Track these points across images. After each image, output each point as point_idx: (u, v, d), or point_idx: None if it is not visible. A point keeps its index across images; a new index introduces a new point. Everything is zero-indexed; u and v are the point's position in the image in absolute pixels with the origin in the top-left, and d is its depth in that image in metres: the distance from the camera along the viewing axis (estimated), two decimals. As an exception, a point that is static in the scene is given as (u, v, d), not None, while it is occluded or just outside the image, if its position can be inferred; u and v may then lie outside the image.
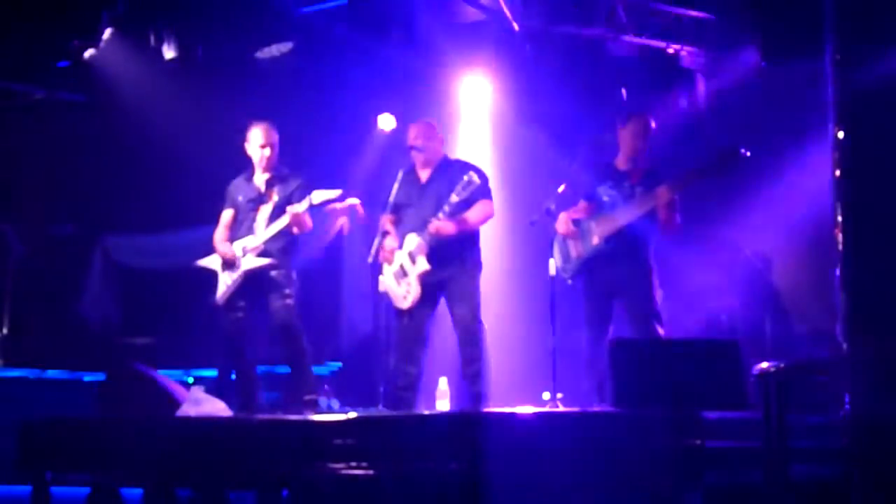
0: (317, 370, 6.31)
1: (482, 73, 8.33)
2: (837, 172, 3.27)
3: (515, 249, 8.22)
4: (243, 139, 6.05)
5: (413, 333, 5.68)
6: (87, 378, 7.83)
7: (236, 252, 5.85)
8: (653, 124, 5.71)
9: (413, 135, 5.87)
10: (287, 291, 5.81)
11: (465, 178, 5.50)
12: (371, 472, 4.00)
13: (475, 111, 8.62)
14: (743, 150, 5.29)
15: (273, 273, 5.81)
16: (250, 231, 5.89)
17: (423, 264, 5.57)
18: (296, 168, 6.09)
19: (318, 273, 7.95)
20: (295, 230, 5.82)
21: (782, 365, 3.18)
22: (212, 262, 6.00)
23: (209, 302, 6.02)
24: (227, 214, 6.05)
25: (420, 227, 5.63)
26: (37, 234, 9.37)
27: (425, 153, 5.80)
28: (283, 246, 5.86)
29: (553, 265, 5.36)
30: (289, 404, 6.28)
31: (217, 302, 5.93)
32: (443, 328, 5.92)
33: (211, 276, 6.00)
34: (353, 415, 4.68)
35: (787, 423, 3.16)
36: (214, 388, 6.76)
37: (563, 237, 5.69)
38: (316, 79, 8.36)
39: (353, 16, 7.52)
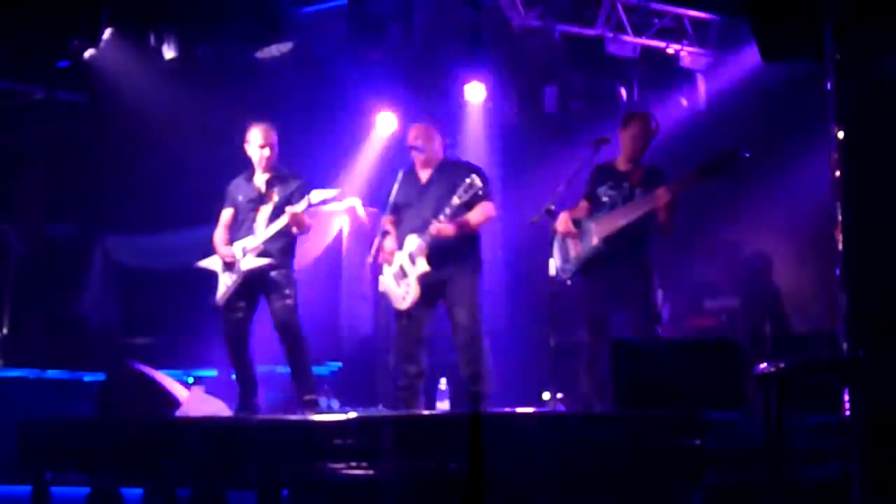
0: (317, 370, 6.30)
1: (481, 73, 8.33)
2: (837, 172, 3.27)
3: (515, 249, 8.23)
4: (243, 139, 6.05)
5: (412, 334, 5.68)
6: (87, 378, 7.83)
7: (236, 253, 5.85)
8: (654, 125, 5.70)
9: (413, 135, 5.87)
10: (287, 292, 5.81)
11: (468, 180, 5.50)
12: (371, 472, 4.01)
13: (475, 111, 8.62)
14: (742, 152, 5.29)
15: (273, 273, 5.81)
16: (250, 231, 5.89)
17: (422, 266, 5.57)
18: (295, 168, 6.09)
19: (317, 273, 7.96)
20: (294, 230, 5.81)
21: (782, 365, 3.18)
22: (212, 262, 6.00)
23: (209, 302, 6.02)
24: (226, 214, 6.05)
25: (420, 228, 5.63)
26: (37, 234, 9.37)
27: (425, 153, 5.80)
28: (283, 246, 5.86)
29: (553, 265, 5.35)
30: (289, 404, 6.28)
31: (217, 302, 5.93)
32: (442, 328, 5.92)
33: (211, 277, 6.00)
34: (353, 415, 4.68)
35: (786, 423, 3.15)
36: (214, 388, 6.77)
37: (563, 237, 5.69)
38: (316, 79, 8.36)
39: (353, 16, 7.51)
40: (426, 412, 5.50)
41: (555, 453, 3.71)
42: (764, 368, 3.19)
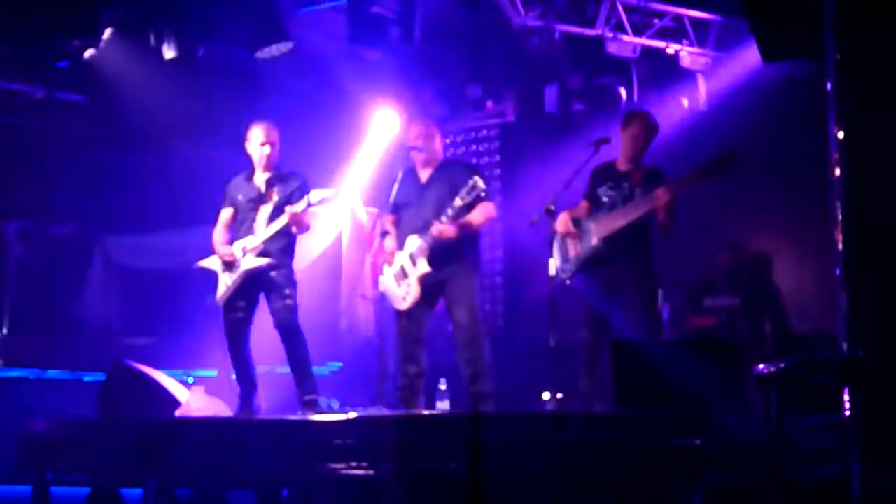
0: (317, 370, 6.30)
1: (481, 73, 8.33)
2: (837, 172, 3.27)
3: (515, 249, 8.23)
4: (243, 139, 6.05)
5: (412, 334, 5.68)
6: (87, 378, 7.83)
7: (236, 252, 5.85)
8: (654, 125, 5.70)
9: (413, 135, 5.87)
10: (287, 291, 5.81)
11: (471, 181, 5.50)
12: (371, 472, 4.01)
13: (475, 111, 8.62)
14: (741, 153, 5.30)
15: (273, 273, 5.81)
16: (250, 231, 5.89)
17: (423, 266, 5.57)
18: (295, 168, 6.09)
19: (317, 273, 7.96)
20: (294, 230, 5.81)
21: (782, 365, 3.18)
22: (212, 262, 6.00)
23: (209, 302, 6.02)
24: (225, 213, 6.05)
25: (420, 228, 5.63)
26: (37, 234, 9.37)
27: (425, 153, 5.80)
28: (283, 246, 5.86)
29: (553, 265, 5.35)
30: (289, 404, 6.28)
31: (217, 302, 5.93)
32: (443, 328, 5.92)
33: (211, 276, 6.00)
34: (353, 415, 4.68)
35: (786, 423, 3.15)
36: (214, 388, 6.77)
37: (563, 237, 5.69)
38: (316, 79, 8.36)
39: (353, 16, 7.51)
40: (426, 412, 5.50)
41: (555, 453, 3.71)
42: (764, 368, 3.19)
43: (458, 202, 5.51)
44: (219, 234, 6.02)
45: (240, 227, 5.95)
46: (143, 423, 5.08)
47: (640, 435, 3.61)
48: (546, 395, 5.81)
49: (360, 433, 4.12)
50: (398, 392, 5.69)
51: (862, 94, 3.27)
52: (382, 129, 8.52)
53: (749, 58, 7.38)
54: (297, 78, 8.33)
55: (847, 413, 3.16)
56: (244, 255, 5.83)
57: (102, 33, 7.68)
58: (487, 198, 5.66)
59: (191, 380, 7.64)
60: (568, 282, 5.68)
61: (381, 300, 5.81)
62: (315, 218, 6.28)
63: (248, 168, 6.05)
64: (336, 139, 8.56)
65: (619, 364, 4.32)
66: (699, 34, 7.83)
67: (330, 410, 6.10)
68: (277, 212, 5.81)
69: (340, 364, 7.95)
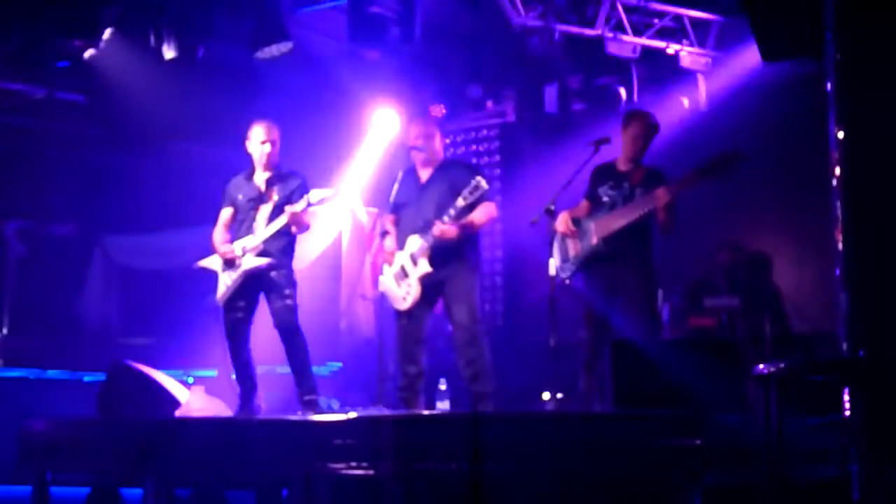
0: (317, 370, 6.30)
1: (481, 73, 8.33)
2: (837, 172, 3.27)
3: (515, 249, 8.24)
4: (244, 138, 6.05)
5: (412, 334, 5.68)
6: (87, 378, 7.84)
7: (236, 252, 5.85)
8: (654, 125, 5.70)
9: (413, 135, 5.87)
10: (287, 292, 5.81)
11: (473, 182, 5.49)
12: (371, 472, 4.01)
13: (475, 111, 8.62)
14: (742, 153, 5.30)
15: (273, 273, 5.81)
16: (250, 231, 5.88)
17: (424, 267, 5.56)
18: (295, 168, 6.09)
19: (317, 273, 7.97)
20: (294, 230, 5.81)
21: (782, 365, 3.18)
22: (212, 262, 6.00)
23: (209, 302, 6.02)
24: (225, 213, 6.05)
25: (421, 228, 5.62)
26: (37, 234, 9.37)
27: (425, 153, 5.79)
28: (283, 246, 5.86)
29: (553, 265, 5.35)
30: (289, 404, 6.28)
31: (217, 302, 5.93)
32: (443, 328, 5.93)
33: (211, 276, 6.00)
34: (353, 415, 4.68)
35: (786, 423, 3.15)
36: (214, 388, 6.77)
37: (563, 236, 5.69)
38: (316, 79, 8.37)
39: (353, 16, 7.51)
40: (426, 412, 5.50)
41: (555, 453, 3.71)
42: (764, 368, 3.19)
43: (460, 202, 5.50)
44: (219, 233, 6.02)
45: (240, 227, 5.95)
46: (143, 423, 5.08)
47: (640, 435, 3.61)
48: (546, 395, 5.81)
49: (360, 433, 4.12)
50: (398, 392, 5.69)
51: (862, 94, 3.27)
52: (382, 128, 8.52)
53: (749, 58, 7.39)
54: (297, 78, 8.33)
55: (847, 413, 3.16)
56: (244, 254, 5.83)
57: (102, 33, 7.69)
58: (489, 198, 5.66)
59: (191, 380, 7.64)
60: (568, 281, 5.68)
61: (381, 300, 5.81)
62: (315, 218, 6.27)
63: (248, 168, 6.05)
64: (336, 139, 8.57)
65: (619, 364, 4.32)
66: (699, 34, 7.84)
67: (330, 410, 6.10)
68: (277, 211, 5.80)
69: (340, 364, 7.95)
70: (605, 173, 5.71)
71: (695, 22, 7.81)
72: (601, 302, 5.59)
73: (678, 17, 7.81)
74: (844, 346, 3.19)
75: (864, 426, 3.08)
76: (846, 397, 3.15)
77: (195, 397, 5.92)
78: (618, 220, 5.50)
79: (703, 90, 7.91)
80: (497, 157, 8.87)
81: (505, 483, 3.80)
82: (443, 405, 5.83)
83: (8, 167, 9.26)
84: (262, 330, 5.95)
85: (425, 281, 5.59)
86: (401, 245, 5.71)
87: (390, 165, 5.91)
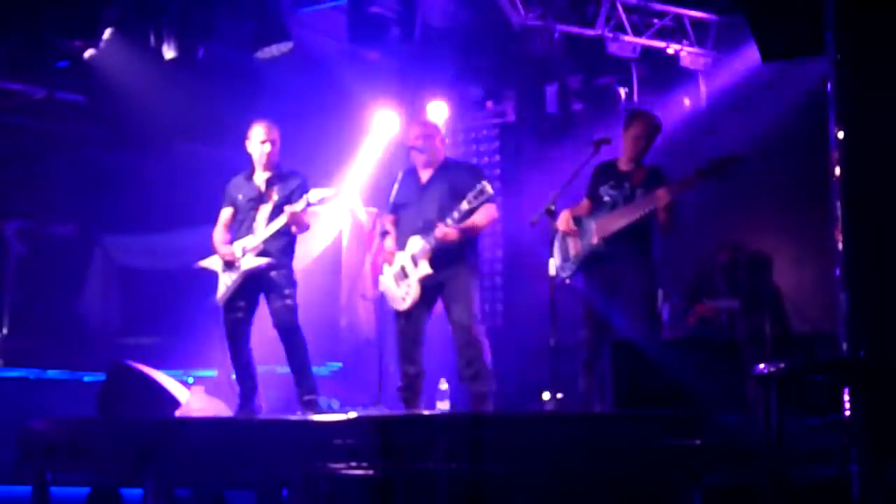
0: (317, 370, 6.30)
1: (481, 73, 8.33)
2: (837, 172, 3.27)
3: (515, 249, 8.23)
4: (244, 138, 6.05)
5: (411, 334, 5.68)
6: (87, 378, 7.84)
7: (236, 252, 5.85)
8: (656, 125, 5.70)
9: (413, 135, 5.86)
10: (287, 292, 5.81)
11: (479, 186, 5.48)
12: (371, 472, 4.00)
13: (475, 111, 8.62)
14: (741, 155, 5.30)
15: (273, 273, 5.81)
16: (250, 231, 5.89)
17: (425, 268, 5.56)
18: (295, 167, 6.09)
19: (317, 273, 7.97)
20: (294, 229, 5.81)
21: (782, 365, 3.18)
22: (212, 262, 6.00)
23: (209, 302, 6.02)
24: (225, 213, 6.05)
25: (421, 228, 5.62)
26: (37, 234, 9.38)
27: (426, 154, 5.79)
28: (283, 246, 5.86)
29: (553, 265, 5.35)
30: (289, 404, 6.28)
31: (217, 302, 5.93)
32: (443, 328, 5.92)
33: (211, 276, 6.00)
34: (353, 415, 4.68)
35: (786, 423, 3.15)
36: (214, 388, 6.77)
37: (564, 235, 5.69)
38: (316, 79, 8.36)
39: (353, 16, 7.51)
40: (426, 412, 5.50)
41: (555, 453, 3.71)
42: (764, 368, 3.18)
43: (464, 206, 5.49)
44: (219, 233, 6.02)
45: (240, 227, 5.95)
46: (143, 423, 5.08)
47: (640, 435, 3.61)
48: (546, 395, 5.80)
49: (360, 433, 4.12)
50: (398, 392, 5.69)
51: (862, 94, 3.27)
52: (382, 128, 8.52)
53: (749, 58, 7.39)
54: (297, 78, 8.33)
55: (847, 413, 3.16)
56: (244, 254, 5.83)
57: (102, 33, 7.69)
58: (491, 199, 5.64)
59: (191, 380, 7.64)
60: (568, 281, 5.68)
61: (381, 300, 5.80)
62: (315, 217, 6.27)
63: (249, 168, 6.05)
64: (336, 139, 8.57)
65: (619, 364, 4.32)
66: (699, 34, 7.84)
67: (330, 410, 6.11)
68: (277, 211, 5.80)
69: (340, 364, 7.95)
70: (607, 172, 5.71)
71: (695, 22, 7.81)
72: (601, 302, 5.59)
73: (678, 17, 7.81)
74: (844, 346, 3.19)
75: (864, 426, 3.08)
76: (846, 397, 3.15)
77: (195, 397, 5.92)
78: (618, 220, 5.51)
79: (703, 90, 7.91)
80: (497, 157, 8.86)
81: (505, 483, 3.80)
82: (443, 405, 5.83)
83: (8, 167, 9.26)
84: (262, 330, 5.95)
85: (425, 282, 5.59)
86: (401, 245, 5.71)
87: (390, 165, 5.90)
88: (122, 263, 9.42)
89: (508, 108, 8.75)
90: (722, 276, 7.34)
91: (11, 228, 8.91)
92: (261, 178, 6.00)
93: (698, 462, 3.48)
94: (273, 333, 5.85)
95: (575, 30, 7.72)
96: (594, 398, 5.46)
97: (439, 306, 5.72)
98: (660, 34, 7.82)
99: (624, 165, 5.69)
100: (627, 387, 4.23)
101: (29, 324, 8.95)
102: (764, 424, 3.16)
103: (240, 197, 5.99)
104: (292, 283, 5.85)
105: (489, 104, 8.91)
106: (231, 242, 5.94)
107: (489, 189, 5.49)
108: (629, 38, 7.71)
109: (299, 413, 5.54)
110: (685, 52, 7.79)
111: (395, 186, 5.77)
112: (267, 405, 6.02)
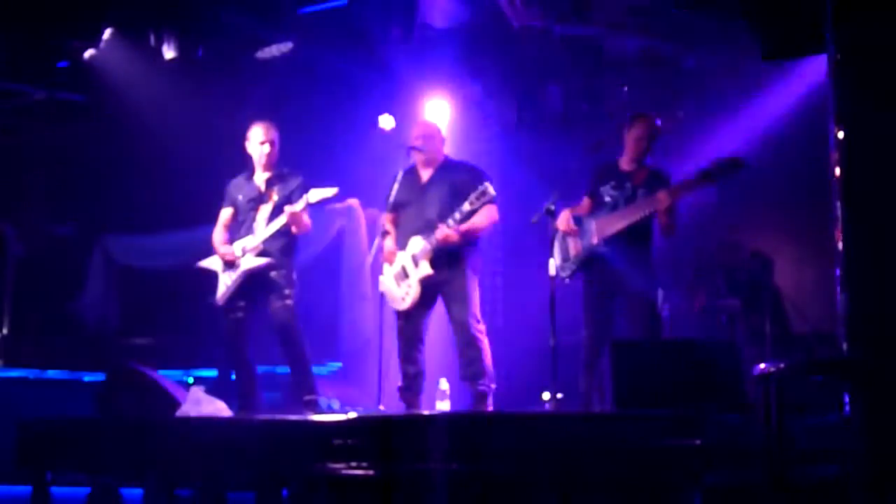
0: (317, 370, 6.30)
1: (481, 73, 8.33)
2: (837, 172, 3.27)
3: (515, 249, 8.23)
4: (243, 139, 6.05)
5: (411, 334, 5.68)
6: (87, 378, 7.83)
7: (236, 252, 5.85)
8: (658, 126, 5.70)
9: (413, 135, 5.86)
10: (287, 292, 5.81)
11: (481, 187, 5.48)
12: (371, 472, 4.00)
13: (475, 111, 8.62)
14: (742, 159, 5.31)
15: (273, 273, 5.81)
16: (250, 231, 5.89)
17: (426, 268, 5.56)
18: (295, 168, 6.09)
19: (317, 273, 7.96)
20: (294, 229, 5.81)
21: (782, 365, 3.18)
22: (212, 262, 6.00)
23: (209, 302, 6.02)
24: (225, 213, 6.06)
25: (421, 228, 5.62)
26: (37, 234, 9.38)
27: (426, 153, 5.79)
28: (283, 246, 5.86)
29: (553, 265, 5.35)
30: (289, 404, 6.28)
31: (217, 302, 5.93)
32: (443, 328, 5.92)
33: (211, 276, 6.01)
34: (353, 415, 4.68)
35: (786, 423, 3.15)
36: (214, 388, 6.77)
37: (564, 235, 5.69)
38: (316, 79, 8.36)
39: (354, 16, 7.51)
40: (426, 412, 5.50)
41: (555, 453, 3.71)
42: (764, 368, 3.19)
43: (466, 206, 5.49)
44: (219, 234, 6.02)
45: (240, 227, 5.96)
46: (143, 423, 5.08)
47: (640, 435, 3.61)
48: (546, 395, 5.80)
49: (360, 433, 4.12)
50: (398, 392, 5.69)
51: (862, 94, 3.27)
52: (383, 128, 8.51)
53: (749, 58, 7.39)
54: (297, 78, 8.33)
55: (847, 413, 3.16)
56: (244, 254, 5.83)
57: (102, 33, 7.69)
58: (493, 201, 5.64)
59: (191, 380, 7.64)
60: (567, 280, 5.68)
61: (381, 300, 5.80)
62: (315, 217, 6.26)
63: (249, 168, 6.06)
64: (335, 139, 8.56)
65: (619, 364, 4.32)
66: (699, 34, 7.83)
67: (330, 410, 6.10)
68: (277, 211, 5.81)
69: (340, 364, 7.95)
70: (608, 172, 5.71)
71: (695, 22, 7.80)
72: (601, 302, 5.59)
73: (678, 17, 7.79)
74: (844, 346, 3.19)
75: (864, 426, 3.08)
76: (846, 397, 3.15)
77: (195, 397, 5.92)
78: (619, 221, 5.51)
79: (703, 90, 7.91)
80: (497, 157, 8.86)
81: (505, 483, 3.79)
82: (443, 405, 5.83)
83: (8, 167, 9.27)
84: (262, 330, 5.95)
85: (425, 282, 5.59)
86: (401, 245, 5.71)
87: (390, 165, 5.89)
88: (122, 263, 9.42)
89: (508, 109, 8.74)
90: (722, 277, 7.35)
91: (11, 228, 8.91)
92: (261, 178, 6.00)
93: (698, 462, 3.47)
94: (273, 333, 5.85)
95: (575, 30, 7.71)
96: (594, 398, 5.46)
97: (440, 306, 5.72)
98: (660, 34, 7.81)
99: (626, 165, 5.69)
100: (627, 387, 4.22)
101: (29, 324, 8.95)
102: (764, 424, 3.16)
103: (240, 197, 6.00)
104: (292, 284, 5.86)
105: (489, 104, 8.90)
106: (231, 243, 5.94)
107: (491, 190, 5.49)
108: (629, 38, 7.71)
109: (299, 413, 5.54)
110: (686, 53, 7.78)
111: (395, 186, 5.77)
112: (267, 405, 6.02)
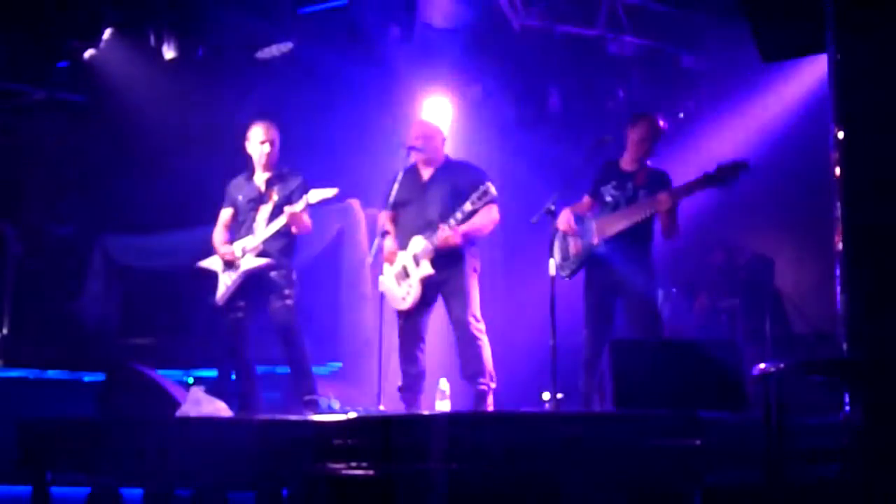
0: (317, 370, 6.30)
1: (481, 73, 8.32)
2: (837, 172, 3.27)
3: (515, 249, 8.22)
4: (243, 139, 6.05)
5: (411, 334, 5.68)
6: (87, 378, 7.83)
7: (236, 252, 5.85)
8: (661, 126, 5.69)
9: (413, 135, 5.86)
10: (286, 292, 5.81)
11: (483, 187, 5.48)
12: (371, 472, 4.00)
13: (475, 111, 8.61)
14: (745, 162, 5.31)
15: (273, 273, 5.81)
16: (250, 231, 5.89)
17: (427, 268, 5.56)
18: (295, 167, 6.09)
19: (317, 273, 7.96)
20: (294, 230, 5.81)
21: (782, 365, 3.18)
22: (212, 263, 6.00)
23: (209, 302, 6.02)
24: (225, 213, 6.06)
25: (422, 228, 5.62)
26: (37, 234, 9.38)
27: (426, 153, 5.79)
28: (283, 246, 5.86)
29: (553, 265, 5.35)
30: (289, 404, 6.28)
31: (217, 302, 5.93)
32: (443, 328, 5.92)
33: (211, 276, 6.01)
34: (353, 415, 4.68)
35: (786, 423, 3.15)
36: (214, 388, 6.77)
37: (564, 234, 5.69)
38: (316, 79, 8.36)
39: (354, 16, 7.51)
40: (426, 412, 5.50)
41: (555, 453, 3.70)
42: (764, 368, 3.18)
43: (468, 206, 5.49)
44: (219, 234, 6.02)
45: (240, 228, 5.96)
46: (143, 423, 5.08)
47: (640, 435, 3.61)
48: (546, 395, 5.80)
49: (360, 433, 4.12)
50: (398, 392, 5.69)
51: (862, 94, 3.27)
52: (383, 128, 8.51)
53: (749, 58, 7.38)
54: (297, 78, 8.33)
55: (847, 413, 3.16)
56: (244, 255, 5.83)
57: (102, 33, 7.69)
58: (494, 201, 5.63)
59: (191, 380, 7.64)
60: (567, 279, 5.68)
61: (381, 300, 5.80)
62: (315, 217, 6.26)
63: (249, 168, 6.06)
64: (336, 139, 8.56)
65: (619, 364, 4.32)
66: (698, 34, 7.83)
67: (330, 410, 6.10)
68: (277, 212, 5.81)
69: (340, 364, 7.95)
70: (610, 171, 5.71)
71: (695, 22, 7.81)
72: (602, 302, 5.59)
73: (678, 17, 7.80)
74: (844, 346, 3.19)
75: (864, 426, 3.08)
76: (846, 397, 3.15)
77: (195, 397, 5.92)
78: (620, 222, 5.51)
79: (702, 90, 7.91)
80: (497, 157, 8.85)
81: (505, 483, 3.79)
82: (443, 405, 5.82)
83: (8, 167, 9.26)
84: (262, 330, 5.95)
85: (426, 281, 5.59)
86: (401, 244, 5.71)
87: (390, 165, 5.89)
88: (122, 263, 9.41)
89: (508, 108, 8.74)
90: (722, 277, 7.35)
91: (11, 228, 8.90)
92: (261, 178, 6.00)
93: (698, 462, 3.47)
94: (273, 333, 5.85)
95: (575, 30, 7.71)
96: (594, 398, 5.46)
97: (440, 305, 5.72)
98: (660, 34, 7.81)
99: (627, 165, 5.69)
100: (627, 387, 4.22)
101: (29, 324, 8.94)
102: (764, 424, 3.16)
103: (240, 197, 6.00)
104: (292, 284, 5.86)
105: (490, 104, 8.90)
106: (231, 243, 5.94)
107: (493, 190, 5.49)
108: (629, 38, 7.71)
109: (299, 413, 5.54)
110: (685, 53, 7.78)
111: (395, 185, 5.77)
112: (267, 405, 6.01)
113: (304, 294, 5.98)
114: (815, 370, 3.49)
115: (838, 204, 3.24)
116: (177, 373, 7.62)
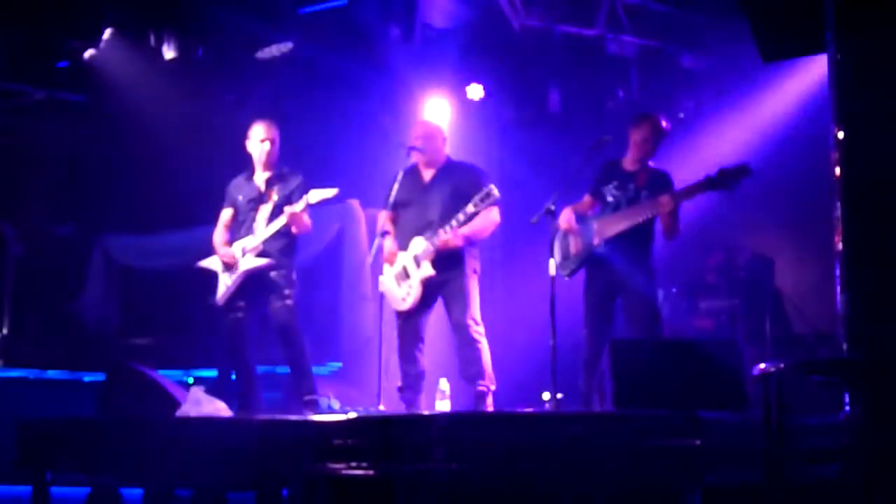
0: (317, 370, 6.30)
1: (481, 73, 8.32)
2: (837, 172, 3.27)
3: (515, 249, 8.22)
4: (243, 139, 6.05)
5: (411, 334, 5.68)
6: (87, 378, 7.83)
7: (236, 253, 5.85)
8: (663, 126, 5.69)
9: (414, 135, 5.86)
10: (287, 292, 5.81)
11: (486, 190, 5.48)
12: (371, 472, 4.00)
13: (475, 111, 8.61)
14: (748, 166, 5.31)
15: (272, 274, 5.81)
16: (250, 231, 5.89)
17: (427, 269, 5.56)
18: (295, 167, 6.09)
19: (317, 273, 7.96)
20: (294, 230, 5.81)
21: (782, 365, 3.18)
22: (212, 263, 6.00)
23: (209, 302, 6.02)
24: (226, 214, 6.06)
25: (423, 228, 5.62)
26: (37, 234, 9.38)
27: (426, 153, 5.78)
28: (283, 246, 5.86)
29: (553, 265, 5.35)
30: (289, 404, 6.28)
31: (217, 302, 5.93)
32: (443, 328, 5.92)
33: (211, 277, 6.01)
34: (353, 415, 4.68)
35: (786, 423, 3.15)
36: (214, 388, 6.77)
37: (565, 233, 5.69)
38: (316, 79, 8.36)
39: (354, 16, 7.51)
40: (426, 412, 5.50)
41: (554, 453, 3.70)
42: (764, 368, 3.18)
43: (470, 208, 5.48)
44: (219, 234, 6.02)
45: (240, 228, 5.96)
46: (143, 423, 5.08)
47: (639, 435, 3.61)
48: (546, 395, 5.80)
49: (360, 433, 4.12)
50: (398, 392, 5.69)
51: (862, 94, 3.27)
52: (383, 128, 8.51)
53: (748, 58, 7.39)
54: (297, 78, 8.33)
55: (847, 413, 3.16)
56: (244, 255, 5.83)
57: (102, 33, 7.69)
58: (495, 203, 5.63)
59: (191, 380, 7.64)
60: (567, 278, 5.68)
61: (381, 300, 5.80)
62: (315, 217, 6.26)
63: (249, 168, 6.06)
64: (336, 139, 8.56)
65: (619, 364, 4.31)
66: (698, 35, 7.83)
67: (330, 410, 6.10)
68: (277, 212, 5.81)
69: (340, 364, 7.95)
70: (611, 171, 5.70)
71: (694, 22, 7.81)
72: (602, 302, 5.59)
73: (678, 17, 7.80)
74: (844, 346, 3.18)
75: (864, 426, 3.08)
76: (846, 397, 3.15)
77: (195, 397, 5.92)
78: (621, 222, 5.50)
79: (702, 90, 7.91)
80: (497, 157, 8.85)
81: (505, 483, 3.80)
82: (443, 405, 5.83)
83: (8, 167, 9.26)
84: (263, 330, 5.95)
85: (426, 282, 5.59)
86: (400, 245, 5.70)
87: (390, 165, 5.89)
88: (122, 263, 9.42)
89: (508, 108, 8.74)
90: (722, 277, 7.34)
91: (11, 228, 8.90)
92: (261, 178, 6.00)
93: (698, 462, 3.47)
94: (273, 333, 5.85)
95: (575, 30, 7.71)
96: (594, 398, 5.46)
97: (440, 306, 5.72)
98: (660, 34, 7.81)
99: (629, 165, 5.69)
100: (627, 387, 4.22)
101: (29, 324, 8.95)
102: (764, 424, 3.16)
103: (240, 198, 6.00)
104: (292, 284, 5.86)
105: (489, 104, 8.90)
106: (231, 243, 5.94)
107: (495, 192, 5.48)
108: (629, 38, 7.71)
109: (299, 413, 5.54)
110: (685, 53, 7.78)
111: (396, 185, 5.76)
112: (267, 405, 6.01)
113: (304, 294, 5.98)
114: (815, 370, 3.49)
115: (838, 204, 3.24)
116: (177, 373, 7.62)
